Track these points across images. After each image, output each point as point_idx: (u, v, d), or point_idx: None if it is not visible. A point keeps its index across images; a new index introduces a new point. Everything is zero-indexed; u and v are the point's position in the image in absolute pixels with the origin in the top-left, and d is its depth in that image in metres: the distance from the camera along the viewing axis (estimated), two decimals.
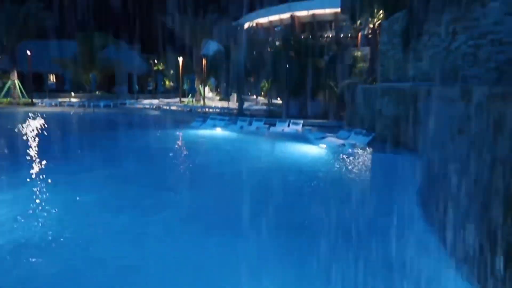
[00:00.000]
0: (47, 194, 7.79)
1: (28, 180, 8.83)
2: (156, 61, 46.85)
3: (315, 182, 9.51)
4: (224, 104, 32.19)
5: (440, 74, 12.90)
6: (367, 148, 14.07)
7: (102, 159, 11.51)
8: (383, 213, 6.84)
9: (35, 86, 37.74)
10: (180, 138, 16.89)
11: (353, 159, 12.35)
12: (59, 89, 40.92)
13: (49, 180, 8.86)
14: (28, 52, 34.01)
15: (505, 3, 10.54)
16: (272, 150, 13.98)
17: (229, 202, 7.64)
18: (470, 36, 11.50)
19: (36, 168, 10.08)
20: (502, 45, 10.66)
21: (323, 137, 15.89)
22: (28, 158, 11.35)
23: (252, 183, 9.10)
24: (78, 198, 7.57)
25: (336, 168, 11.12)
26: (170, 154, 12.77)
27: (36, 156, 11.80)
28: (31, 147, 13.46)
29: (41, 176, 9.23)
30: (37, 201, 7.33)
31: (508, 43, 10.54)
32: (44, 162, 10.90)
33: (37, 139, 15.54)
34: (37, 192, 7.86)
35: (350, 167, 11.22)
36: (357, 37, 29.20)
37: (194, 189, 8.67)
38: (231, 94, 30.05)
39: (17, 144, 14.24)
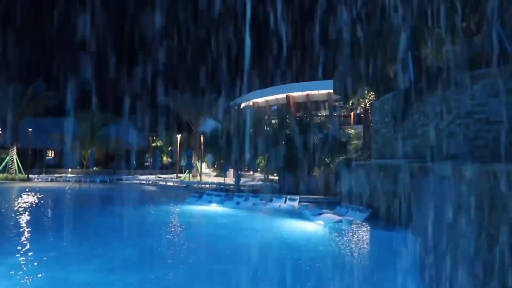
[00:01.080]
0: None
1: None
2: (155, 137, 47.93)
3: (313, 262, 9.30)
4: (220, 179, 32.31)
5: (431, 151, 13.27)
6: (365, 224, 13.94)
7: (81, 236, 11.19)
8: None
9: (34, 161, 38.07)
10: (173, 214, 16.68)
11: (351, 236, 12.20)
12: (58, 165, 41.21)
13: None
14: (30, 130, 34.89)
15: (487, 87, 11.27)
16: (267, 227, 13.78)
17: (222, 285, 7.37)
18: (457, 115, 12.09)
19: None
20: (489, 124, 11.17)
21: (320, 214, 15.81)
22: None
23: (246, 262, 8.90)
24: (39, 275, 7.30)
25: (333, 247, 10.95)
26: (159, 232, 12.40)
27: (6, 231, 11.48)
28: (10, 223, 13.17)
29: None
30: None
31: (494, 122, 11.06)
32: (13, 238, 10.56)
33: (20, 214, 15.22)
34: None
35: (347, 245, 11.07)
36: (350, 116, 30.44)
37: (181, 269, 8.38)
38: (227, 170, 30.30)
39: None
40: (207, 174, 41.00)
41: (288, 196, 20.13)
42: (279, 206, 18.97)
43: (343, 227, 13.60)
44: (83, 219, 14.80)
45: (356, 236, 12.29)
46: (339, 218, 14.69)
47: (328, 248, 10.73)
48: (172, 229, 12.94)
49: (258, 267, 8.65)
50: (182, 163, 37.94)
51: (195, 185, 29.05)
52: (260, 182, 30.96)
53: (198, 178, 34.12)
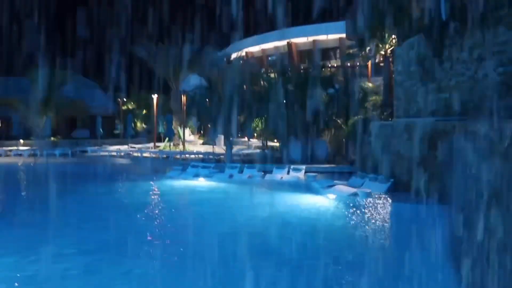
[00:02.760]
0: None
1: None
2: (125, 99, 47.57)
3: (327, 246, 9.24)
4: (208, 148, 32.40)
5: (467, 107, 13.28)
6: (385, 197, 14.17)
7: (36, 226, 11.00)
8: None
9: None
10: (151, 192, 16.73)
11: (369, 212, 12.38)
12: (6, 136, 40.98)
13: None
14: None
15: None
16: (268, 204, 13.92)
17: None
18: (500, 61, 12.00)
19: None
20: None
21: (331, 186, 15.97)
22: None
23: (245, 250, 8.67)
24: None
25: (349, 225, 11.07)
26: (134, 217, 11.86)
27: None
28: None
29: None
30: None
31: None
32: None
33: None
34: None
35: (366, 223, 11.19)
36: (367, 66, 30.19)
37: (164, 264, 8.09)
38: (216, 137, 30.33)
39: None
40: (192, 142, 41.01)
41: (292, 166, 20.30)
42: (281, 178, 19.15)
43: (360, 201, 13.78)
44: (38, 203, 14.42)
45: (375, 211, 12.47)
46: (354, 190, 14.89)
47: (343, 227, 10.87)
48: (150, 212, 12.72)
49: (260, 257, 8.32)
50: (161, 129, 37.81)
51: (178, 156, 29.12)
52: (257, 150, 31.08)
53: (181, 147, 34.16)
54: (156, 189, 17.76)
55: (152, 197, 15.85)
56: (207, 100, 27.89)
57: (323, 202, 14.01)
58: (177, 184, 18.64)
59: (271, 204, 13.75)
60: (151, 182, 19.15)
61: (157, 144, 36.94)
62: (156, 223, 11.59)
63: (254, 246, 9.08)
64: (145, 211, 12.79)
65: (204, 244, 9.41)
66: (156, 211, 13.23)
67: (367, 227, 10.86)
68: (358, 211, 12.53)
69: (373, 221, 11.44)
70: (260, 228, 10.84)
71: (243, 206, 13.83)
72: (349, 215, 12.24)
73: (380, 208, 12.91)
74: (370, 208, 12.80)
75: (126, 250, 8.73)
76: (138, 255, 8.47)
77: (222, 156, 26.57)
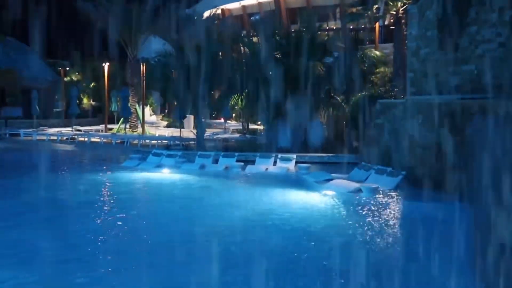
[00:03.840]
0: None
1: None
2: (68, 68, 46.77)
3: (325, 262, 8.90)
4: (174, 132, 32.19)
5: (499, 82, 13.31)
6: (395, 194, 14.21)
7: None
8: None
9: None
10: (100, 188, 16.36)
11: (376, 214, 12.36)
12: None
13: None
14: None
15: None
16: (249, 204, 13.75)
17: None
18: None
19: None
20: None
21: (328, 180, 16.01)
22: None
23: (221, 269, 8.33)
24: None
25: (352, 233, 10.90)
26: (75, 224, 11.38)
27: None
28: None
29: None
30: None
31: None
32: None
33: None
34: None
35: (374, 229, 11.07)
36: (374, 29, 30.16)
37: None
38: (184, 117, 30.08)
39: None
40: (154, 125, 40.70)
41: (280, 155, 20.26)
42: (266, 169, 19.13)
43: (364, 199, 13.81)
44: None
45: (384, 213, 12.49)
46: (356, 185, 14.93)
47: (343, 235, 10.71)
48: (98, 217, 12.24)
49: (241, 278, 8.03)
50: (113, 107, 37.34)
51: (135, 141, 28.89)
52: (237, 135, 31.07)
53: (140, 130, 33.86)
54: (106, 184, 17.56)
55: (99, 195, 15.37)
56: (172, 70, 27.55)
57: (318, 201, 13.99)
58: (134, 177, 18.49)
59: (252, 205, 13.61)
60: (100, 175, 18.90)
61: (109, 126, 36.54)
62: (106, 229, 11.33)
63: (229, 264, 8.70)
64: (94, 213, 12.55)
65: (158, 256, 9.18)
66: (109, 213, 12.95)
67: (374, 235, 10.74)
68: (362, 213, 12.53)
69: (382, 226, 11.41)
70: (236, 238, 10.33)
71: (216, 206, 13.63)
72: (351, 218, 12.22)
73: (389, 209, 12.95)
74: (377, 209, 12.81)
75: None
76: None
77: (191, 142, 26.40)
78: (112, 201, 14.91)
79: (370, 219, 11.99)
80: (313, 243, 10.11)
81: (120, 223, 11.77)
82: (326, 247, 9.86)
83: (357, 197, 14.06)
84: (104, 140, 30.50)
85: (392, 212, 12.71)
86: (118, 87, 37.41)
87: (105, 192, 16.13)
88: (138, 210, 13.57)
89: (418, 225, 11.49)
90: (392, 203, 13.39)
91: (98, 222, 11.83)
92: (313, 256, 9.27)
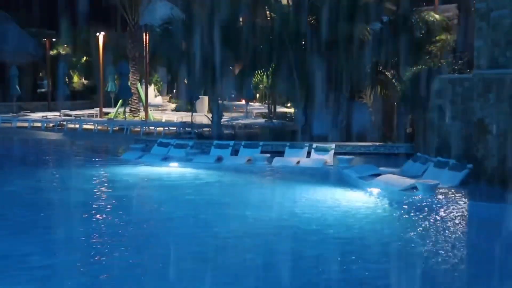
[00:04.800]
0: None
1: None
2: (54, 39, 47.02)
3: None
4: (185, 117, 32.14)
5: None
6: (461, 193, 14.04)
7: None
8: None
9: None
10: (92, 188, 16.26)
11: (438, 219, 12.24)
12: None
13: None
14: None
15: None
16: (278, 209, 13.67)
17: None
18: None
19: None
20: None
21: (375, 175, 15.94)
22: None
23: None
24: None
25: (407, 245, 10.74)
26: (65, 234, 11.24)
27: None
28: None
29: None
30: None
31: None
32: None
33: None
34: None
35: (437, 240, 10.95)
36: None
37: None
38: (197, 99, 30.07)
39: None
40: (160, 108, 40.70)
41: (315, 145, 20.17)
42: (298, 162, 19.06)
43: (420, 199, 13.68)
44: None
45: (447, 216, 12.33)
46: (411, 182, 14.77)
47: (400, 247, 10.57)
48: (91, 225, 12.12)
49: None
50: (110, 87, 37.44)
51: (137, 128, 28.96)
52: (261, 120, 30.90)
53: (142, 114, 33.93)
54: (99, 183, 17.56)
55: (90, 197, 15.16)
56: (182, 41, 27.48)
57: (363, 202, 13.95)
58: (135, 173, 18.57)
59: (282, 209, 13.59)
60: (93, 171, 19.00)
61: (105, 110, 36.67)
62: (104, 242, 11.29)
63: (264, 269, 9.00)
64: (88, 219, 12.58)
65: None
66: (105, 221, 13.01)
67: (440, 247, 10.57)
68: (420, 218, 12.42)
69: (447, 235, 11.28)
70: (269, 242, 10.72)
71: (240, 211, 13.56)
72: (406, 224, 12.11)
73: (453, 211, 12.76)
74: (438, 212, 12.69)
75: None
76: None
77: (206, 129, 26.37)
78: (106, 205, 14.64)
79: (430, 225, 11.88)
80: (362, 260, 9.90)
81: (115, 239, 11.34)
82: (382, 265, 9.66)
83: (412, 197, 13.95)
84: (99, 127, 30.56)
85: (457, 216, 12.53)
86: (116, 62, 37.43)
87: (98, 194, 15.95)
88: (140, 219, 13.19)
89: (493, 233, 11.37)
90: (456, 205, 13.18)
91: (104, 234, 11.72)
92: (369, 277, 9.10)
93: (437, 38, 23.07)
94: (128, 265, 9.48)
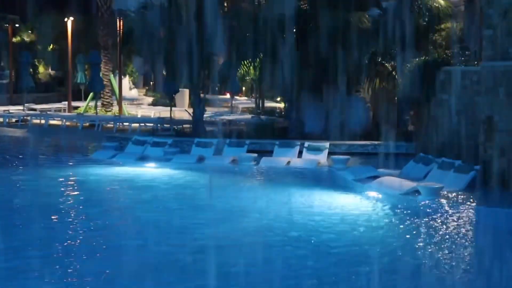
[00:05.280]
0: None
1: None
2: (17, 25, 46.77)
3: None
4: (163, 112, 32.06)
5: None
6: (466, 197, 14.05)
7: None
8: None
9: None
10: (56, 192, 16.09)
11: (442, 226, 12.24)
12: None
13: None
14: None
15: None
16: (267, 214, 13.62)
17: None
18: None
19: None
20: None
21: (373, 177, 15.93)
22: None
23: None
24: None
25: (418, 256, 10.75)
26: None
27: None
28: None
29: None
30: None
31: None
32: None
33: None
34: None
35: (443, 250, 10.93)
36: None
37: None
38: (177, 92, 29.95)
39: None
40: (135, 101, 40.57)
41: (307, 143, 20.16)
42: (288, 163, 19.06)
43: (423, 204, 13.69)
44: None
45: (453, 224, 12.32)
46: (412, 185, 14.78)
47: (402, 258, 10.59)
48: (45, 232, 12.03)
49: None
50: (80, 78, 37.34)
51: (110, 124, 28.87)
52: (248, 116, 30.81)
53: (115, 109, 33.80)
54: (65, 186, 17.38)
55: (54, 203, 14.84)
56: (160, 28, 27.39)
57: (359, 207, 13.96)
58: (107, 174, 18.53)
59: (271, 215, 13.53)
60: (59, 172, 18.85)
61: (74, 104, 36.51)
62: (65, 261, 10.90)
63: None
64: (50, 229, 12.50)
65: None
66: (69, 232, 12.90)
67: (447, 260, 10.55)
68: (422, 225, 12.42)
69: (454, 245, 11.25)
70: (244, 263, 10.23)
71: (224, 218, 13.50)
72: (408, 232, 12.08)
73: (460, 218, 12.77)
74: (443, 219, 12.68)
75: None
76: None
77: (186, 126, 26.34)
78: (69, 211, 14.35)
79: (434, 234, 11.87)
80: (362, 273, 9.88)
81: (85, 254, 10.98)
82: (385, 277, 9.61)
83: (414, 202, 13.97)
84: (67, 123, 30.47)
85: (464, 223, 12.56)
86: (86, 51, 37.29)
87: (62, 198, 15.68)
88: (103, 225, 12.98)
89: (504, 241, 11.42)
90: (462, 210, 13.21)
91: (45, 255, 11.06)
92: None
93: (442, 26, 23.11)
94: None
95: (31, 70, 41.09)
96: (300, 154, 19.77)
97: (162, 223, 13.18)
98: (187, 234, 12.06)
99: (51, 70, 46.64)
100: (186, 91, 32.36)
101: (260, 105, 32.71)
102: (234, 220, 13.19)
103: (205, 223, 12.96)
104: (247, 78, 34.56)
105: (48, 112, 33.87)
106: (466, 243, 11.51)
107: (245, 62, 28.56)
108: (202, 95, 25.28)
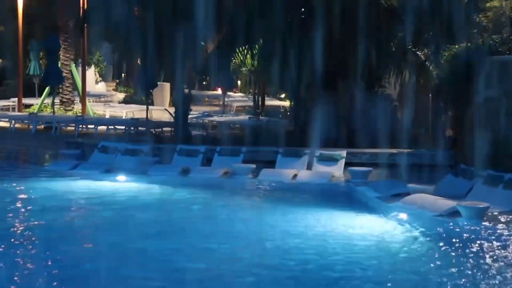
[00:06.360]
0: None
1: None
2: None
3: None
4: (138, 112, 32.12)
5: None
6: None
7: None
8: None
9: None
10: (10, 213, 16.06)
11: (493, 258, 12.08)
12: None
13: None
14: None
15: None
16: (270, 244, 13.51)
17: None
18: None
19: None
20: None
21: (400, 194, 15.91)
22: None
23: None
24: None
25: None
26: None
27: None
28: None
29: None
30: None
31: None
32: None
33: None
34: None
35: None
36: None
37: None
38: (155, 87, 29.97)
39: None
40: (103, 98, 40.75)
41: (318, 152, 20.20)
42: (295, 177, 19.04)
43: (466, 229, 13.63)
44: None
45: (505, 255, 12.20)
46: (450, 204, 14.70)
47: None
48: None
49: None
50: (33, 69, 37.45)
51: (70, 127, 29.00)
52: (244, 117, 30.85)
53: (78, 108, 33.88)
54: (10, 202, 17.21)
55: (13, 227, 14.90)
56: (134, 5, 27.41)
57: (383, 232, 13.91)
58: (65, 190, 18.53)
59: (266, 241, 13.53)
60: (4, 186, 18.80)
61: (26, 101, 36.61)
62: None
63: None
64: None
65: None
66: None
67: None
68: (463, 256, 12.28)
69: (504, 282, 11.01)
70: None
71: (206, 244, 13.43)
72: (443, 265, 11.85)
73: None
74: (490, 248, 12.55)
75: None
76: None
77: (167, 129, 26.50)
78: (10, 237, 13.98)
79: (478, 267, 11.65)
80: None
81: None
82: None
83: (452, 225, 13.91)
84: (17, 125, 30.60)
85: None
86: (42, 34, 37.35)
87: (10, 223, 15.31)
88: (49, 258, 12.54)
89: None
90: None
91: None
92: None
93: (488, 5, 23.11)
94: None
95: None
96: (309, 165, 19.82)
97: (131, 260, 12.81)
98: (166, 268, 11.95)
99: None
100: (167, 86, 32.50)
101: (260, 104, 32.75)
102: (221, 249, 13.04)
103: (188, 259, 12.73)
104: (243, 69, 34.66)
105: None
106: None
107: (241, 49, 28.60)
108: (186, 90, 25.29)
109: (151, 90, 29.75)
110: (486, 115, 17.67)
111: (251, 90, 35.41)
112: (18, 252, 12.90)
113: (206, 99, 37.25)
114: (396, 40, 22.89)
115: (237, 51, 29.22)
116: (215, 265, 11.99)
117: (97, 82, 43.81)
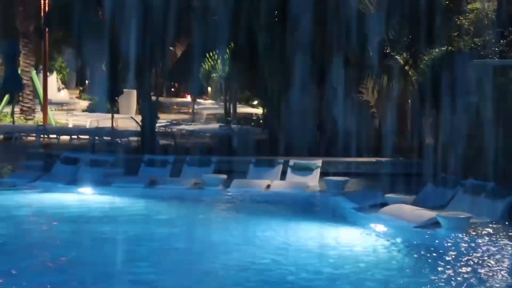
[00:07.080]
0: None
1: None
2: None
3: None
4: (103, 120, 31.99)
5: None
6: (503, 231, 14.00)
7: None
8: None
9: None
10: None
11: (473, 272, 12.05)
12: None
13: None
14: None
15: None
16: (242, 261, 13.34)
17: None
18: None
19: None
20: None
21: (379, 205, 15.96)
22: None
23: None
24: None
25: None
26: None
27: None
28: None
29: None
30: None
31: None
32: None
33: None
34: None
35: None
36: None
37: None
38: (120, 94, 29.88)
39: None
40: (65, 106, 40.60)
41: (293, 161, 20.20)
42: (268, 187, 19.06)
43: (446, 242, 13.62)
44: None
45: (487, 266, 12.17)
46: (430, 214, 14.75)
47: None
48: None
49: None
50: None
51: (31, 137, 28.90)
52: (215, 125, 30.87)
53: (40, 117, 33.75)
54: None
55: None
56: (98, 7, 27.35)
57: (361, 245, 13.94)
58: (25, 204, 18.43)
59: (237, 257, 13.37)
60: None
61: None
62: None
63: None
64: None
65: None
66: None
67: None
68: (444, 268, 12.21)
69: None
70: None
71: (174, 259, 13.46)
72: (424, 279, 11.82)
73: (494, 259, 12.56)
74: (472, 260, 12.56)
75: None
76: None
77: (133, 139, 26.42)
78: None
79: (462, 281, 11.64)
80: None
81: None
82: None
83: (433, 237, 13.95)
84: None
85: (500, 265, 12.34)
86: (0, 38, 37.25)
87: None
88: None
89: None
90: (497, 248, 13.06)
91: None
92: None
93: (470, 7, 23.23)
94: None
95: None
96: (283, 175, 19.80)
97: (99, 266, 12.72)
98: None
99: None
100: (133, 93, 32.38)
101: (231, 111, 32.73)
102: (189, 265, 12.87)
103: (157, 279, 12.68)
104: (214, 75, 34.64)
105: None
106: None
107: (211, 54, 28.60)
108: (154, 98, 25.23)
109: (116, 98, 29.67)
110: (468, 122, 17.73)
111: (221, 97, 35.33)
112: None
113: (175, 106, 37.19)
114: (374, 43, 22.94)
115: (207, 56, 29.20)
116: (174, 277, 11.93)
117: (59, 90, 43.65)
